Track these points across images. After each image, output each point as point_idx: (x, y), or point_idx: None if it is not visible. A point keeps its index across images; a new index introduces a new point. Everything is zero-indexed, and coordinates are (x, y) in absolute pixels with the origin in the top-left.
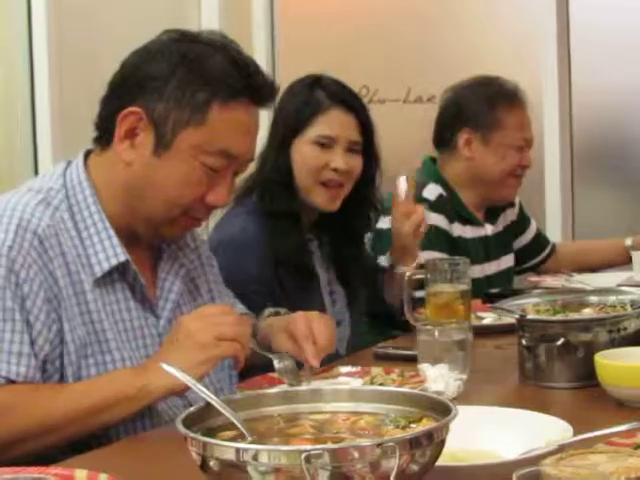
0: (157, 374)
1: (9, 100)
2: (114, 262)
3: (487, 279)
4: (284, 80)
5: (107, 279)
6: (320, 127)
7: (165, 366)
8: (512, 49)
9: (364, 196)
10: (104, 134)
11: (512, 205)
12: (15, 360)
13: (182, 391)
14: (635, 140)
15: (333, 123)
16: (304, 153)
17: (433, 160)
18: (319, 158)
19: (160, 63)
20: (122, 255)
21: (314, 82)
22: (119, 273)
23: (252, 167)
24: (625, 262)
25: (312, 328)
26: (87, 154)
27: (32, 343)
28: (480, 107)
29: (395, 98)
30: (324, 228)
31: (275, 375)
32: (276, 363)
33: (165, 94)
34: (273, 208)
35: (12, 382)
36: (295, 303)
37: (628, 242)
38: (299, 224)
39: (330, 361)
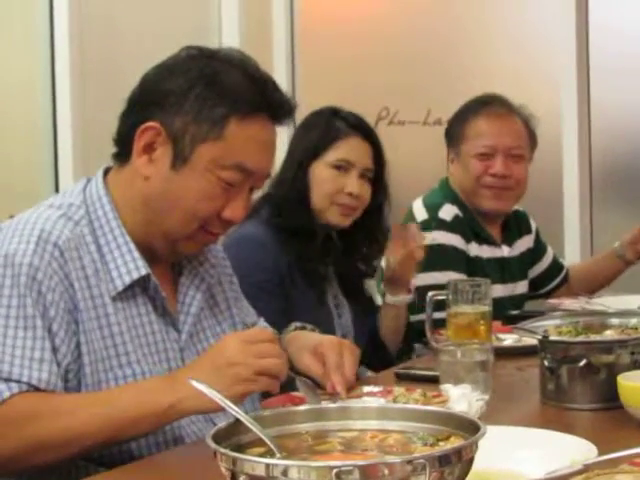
0: (187, 392)
1: (31, 117)
2: (135, 275)
3: (501, 301)
4: (303, 101)
5: (128, 293)
6: (339, 152)
7: (195, 383)
8: (532, 72)
9: (373, 223)
10: (123, 150)
11: (529, 232)
12: (37, 366)
13: (211, 411)
14: None
15: (351, 149)
16: (322, 175)
17: (447, 180)
18: (336, 181)
19: (179, 79)
20: (143, 269)
21: (333, 113)
22: (140, 287)
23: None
24: (621, 268)
25: (343, 358)
26: (106, 171)
27: (54, 350)
28: (454, 124)
29: (415, 120)
30: (331, 249)
31: (297, 394)
32: (299, 384)
33: (183, 109)
34: (288, 223)
35: (35, 388)
36: (304, 305)
37: (616, 245)
38: (314, 239)
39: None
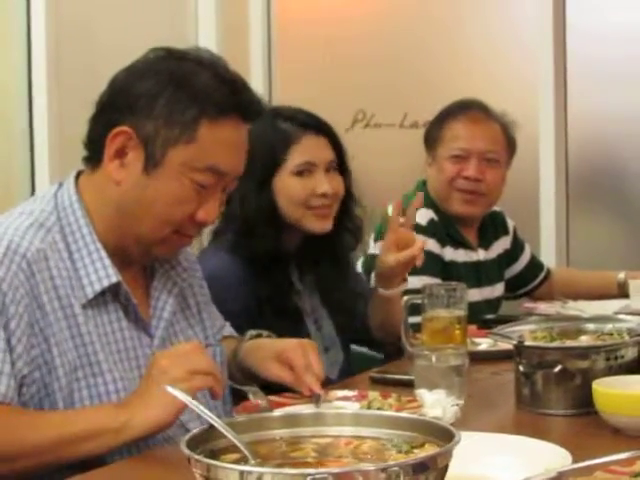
0: (140, 409)
1: (7, 120)
2: (106, 283)
3: (476, 305)
4: (280, 103)
5: (99, 300)
6: (297, 156)
7: (169, 388)
8: (509, 76)
9: (346, 212)
10: (94, 154)
11: (506, 233)
12: None
13: (165, 428)
14: (630, 170)
15: (308, 149)
16: (288, 186)
17: (424, 183)
18: (304, 187)
19: (148, 82)
20: (114, 276)
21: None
22: (111, 294)
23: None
24: (613, 296)
25: (308, 358)
26: (78, 175)
27: (12, 364)
28: (432, 127)
29: (391, 123)
30: (307, 252)
31: (273, 398)
32: (252, 397)
33: (154, 113)
34: (254, 250)
35: None
36: (279, 335)
37: (621, 276)
38: (281, 263)
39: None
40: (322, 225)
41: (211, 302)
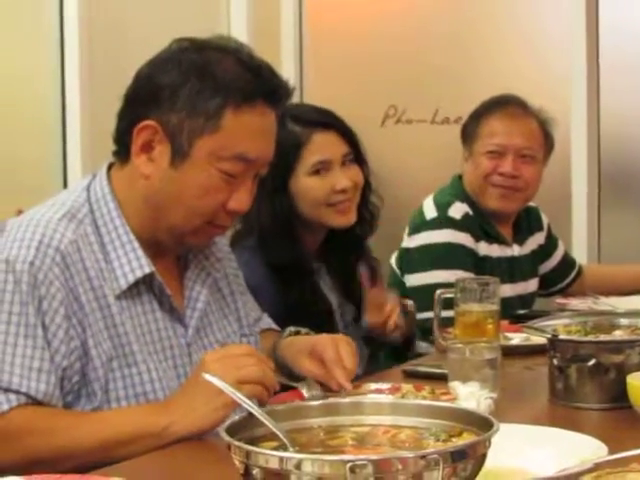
0: (182, 414)
1: (40, 112)
2: (139, 274)
3: (510, 300)
4: (311, 99)
5: (133, 291)
6: (309, 157)
7: (209, 377)
8: (540, 72)
9: (363, 202)
10: (122, 148)
11: (541, 229)
12: (35, 376)
13: (207, 432)
14: None
15: (320, 147)
16: (305, 187)
17: (460, 178)
18: (322, 186)
19: (171, 73)
20: (147, 267)
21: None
22: (145, 285)
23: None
24: None
25: (340, 353)
26: (110, 167)
27: (52, 360)
28: (469, 122)
29: (423, 119)
30: (331, 247)
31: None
32: (305, 392)
33: (178, 104)
34: (275, 260)
35: (32, 399)
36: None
37: None
38: (305, 266)
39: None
40: (346, 220)
41: (247, 292)
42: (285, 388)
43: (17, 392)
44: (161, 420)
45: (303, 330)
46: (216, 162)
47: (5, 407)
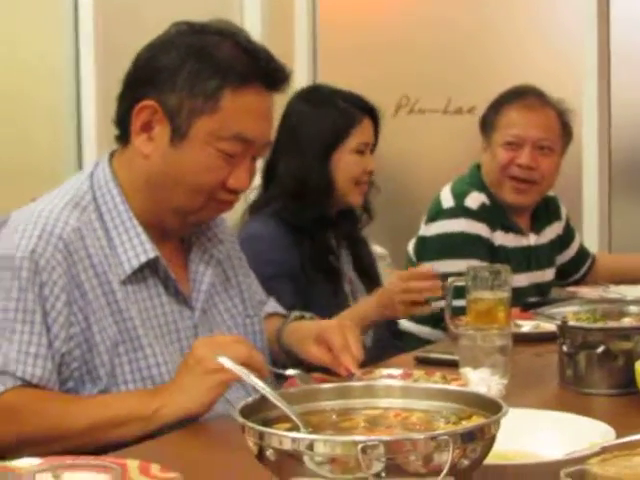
0: (172, 398)
1: (56, 103)
2: (143, 259)
3: (525, 289)
4: (325, 79)
5: (138, 276)
6: (358, 137)
7: (222, 359)
8: (553, 61)
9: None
10: (123, 131)
11: (559, 219)
12: (31, 361)
13: (196, 417)
14: None
15: (366, 131)
16: (347, 162)
17: (478, 167)
18: (360, 164)
19: (170, 55)
20: (151, 252)
21: (333, 94)
22: (150, 269)
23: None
24: None
25: (347, 339)
26: (112, 154)
27: (49, 345)
28: (488, 113)
29: (435, 108)
30: (342, 222)
31: (317, 375)
32: (298, 381)
33: (177, 85)
34: (305, 215)
35: (27, 383)
36: (320, 301)
37: None
38: (323, 228)
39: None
40: (360, 200)
41: (251, 274)
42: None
43: (13, 375)
44: (151, 403)
45: (307, 315)
46: (215, 142)
47: (0, 388)
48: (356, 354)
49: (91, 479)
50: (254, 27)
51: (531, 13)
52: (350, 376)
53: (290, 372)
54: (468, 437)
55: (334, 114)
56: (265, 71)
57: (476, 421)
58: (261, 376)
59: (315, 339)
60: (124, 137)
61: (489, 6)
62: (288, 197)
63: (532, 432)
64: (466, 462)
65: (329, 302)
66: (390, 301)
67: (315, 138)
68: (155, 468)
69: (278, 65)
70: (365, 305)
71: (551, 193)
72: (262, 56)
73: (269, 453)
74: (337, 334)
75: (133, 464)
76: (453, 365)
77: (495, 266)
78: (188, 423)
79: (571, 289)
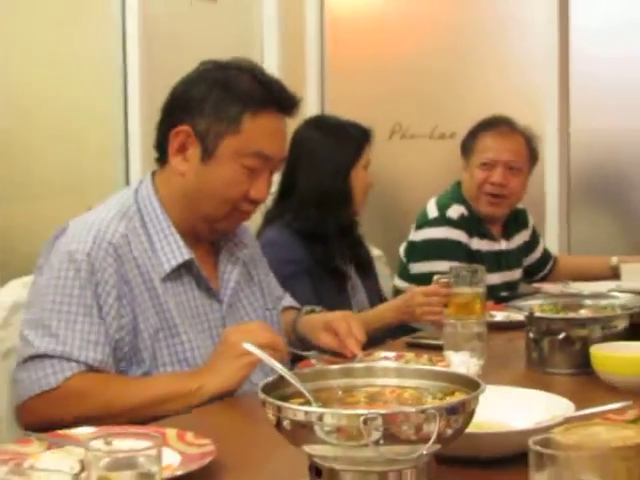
0: (208, 378)
1: (106, 121)
2: (180, 260)
3: (498, 286)
4: (332, 108)
5: (175, 274)
6: (366, 156)
7: (248, 346)
8: (521, 93)
9: None
10: (161, 153)
11: (526, 227)
12: (92, 348)
13: (229, 393)
14: (622, 171)
15: (369, 151)
16: (361, 177)
17: (459, 184)
18: (367, 178)
19: (199, 87)
20: (187, 254)
21: (339, 124)
22: (185, 269)
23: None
24: (609, 277)
25: (351, 326)
26: (153, 174)
27: (106, 334)
28: (467, 139)
29: (423, 134)
30: (349, 231)
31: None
32: (314, 361)
33: (205, 112)
34: (312, 229)
35: (90, 367)
36: (327, 296)
37: (614, 260)
38: (334, 235)
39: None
40: (362, 210)
41: (270, 273)
42: (296, 358)
43: (77, 361)
44: (192, 383)
45: (317, 308)
46: (238, 158)
47: (68, 373)
48: (359, 338)
49: (136, 445)
50: (272, 62)
51: (503, 53)
52: (353, 357)
53: (307, 353)
54: (452, 411)
55: (349, 139)
56: (278, 98)
57: (458, 397)
58: (282, 357)
59: (324, 328)
60: (163, 159)
61: (468, 48)
62: (309, 208)
63: (504, 406)
64: (450, 431)
65: (334, 300)
66: (411, 309)
67: (335, 159)
68: (190, 435)
69: (289, 93)
70: (385, 309)
71: (520, 206)
72: (275, 86)
73: (286, 423)
74: (342, 322)
75: (171, 432)
76: (438, 349)
77: (472, 266)
78: (219, 399)
79: (536, 285)
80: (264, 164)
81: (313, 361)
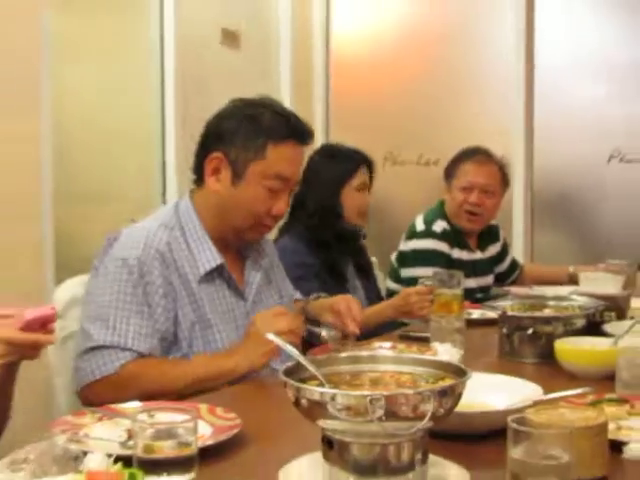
0: (240, 358)
1: (146, 146)
2: (213, 264)
3: (473, 289)
4: (335, 137)
5: (209, 277)
6: (358, 178)
7: (271, 336)
8: (493, 127)
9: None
10: (199, 176)
11: (498, 240)
12: (144, 339)
13: (259, 370)
14: (578, 196)
15: (363, 175)
16: (353, 198)
17: (442, 203)
18: (359, 199)
19: (230, 121)
20: (219, 259)
21: (338, 150)
22: (217, 272)
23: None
24: (566, 283)
25: (350, 307)
26: (191, 192)
27: (154, 327)
28: (450, 165)
29: (411, 161)
30: (349, 239)
31: (328, 341)
32: (325, 333)
33: (235, 142)
34: (319, 237)
35: (142, 354)
36: (328, 292)
37: (570, 269)
38: (336, 243)
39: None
40: (363, 223)
41: (285, 277)
42: (311, 334)
43: (131, 350)
44: (229, 363)
45: (323, 295)
46: (263, 180)
47: (124, 361)
48: (357, 316)
49: (175, 418)
50: (286, 98)
51: (478, 93)
52: (352, 333)
53: (323, 332)
54: (444, 393)
55: (342, 162)
56: (296, 130)
57: (449, 382)
58: (297, 336)
59: (329, 309)
60: (199, 180)
61: (449, 90)
62: (313, 220)
63: (482, 390)
64: (442, 411)
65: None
66: (409, 307)
67: (330, 179)
68: (219, 410)
69: (305, 126)
70: (385, 307)
71: (493, 222)
72: (293, 120)
73: (303, 402)
74: (343, 303)
75: (204, 407)
76: (425, 340)
77: (452, 272)
78: (245, 379)
79: (506, 288)
80: (283, 185)
81: (326, 337)
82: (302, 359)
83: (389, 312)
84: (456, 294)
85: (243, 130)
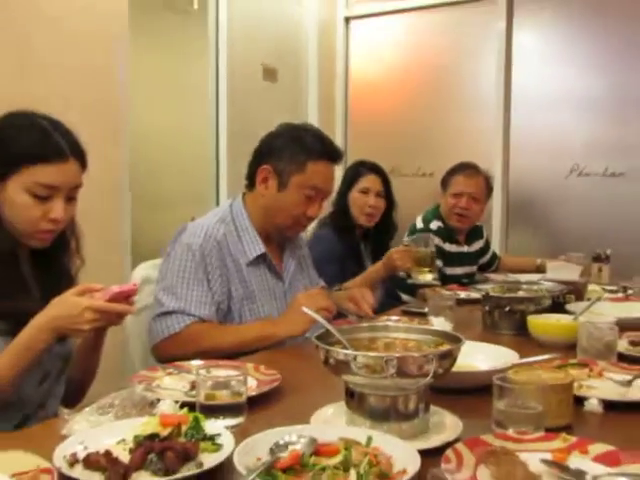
0: (283, 326)
1: (203, 159)
2: (259, 252)
3: (461, 275)
4: (352, 155)
5: (255, 262)
6: (362, 183)
7: (305, 309)
8: (478, 145)
9: (389, 217)
10: (250, 182)
11: (482, 237)
12: (203, 307)
13: (297, 336)
14: (545, 201)
15: (367, 181)
16: (356, 198)
17: (438, 206)
18: (363, 200)
19: (279, 140)
20: (263, 249)
21: (360, 164)
22: (262, 258)
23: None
24: (534, 272)
25: (364, 294)
26: (243, 194)
27: (212, 298)
28: (444, 177)
29: (411, 173)
30: (369, 238)
31: (351, 319)
32: (353, 318)
33: (282, 157)
34: (340, 229)
35: (201, 319)
36: (349, 273)
37: (538, 261)
38: (357, 238)
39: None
40: (368, 222)
41: (312, 266)
42: (339, 314)
43: (193, 315)
44: (272, 329)
45: (343, 286)
46: (302, 190)
47: (187, 322)
48: (369, 301)
49: (227, 373)
50: (313, 122)
51: (467, 120)
52: (367, 315)
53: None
54: (443, 356)
55: (352, 171)
56: (329, 151)
57: (446, 347)
58: (331, 313)
59: (347, 298)
60: (251, 185)
61: (443, 117)
62: (337, 218)
63: (470, 354)
64: (441, 370)
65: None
66: (393, 261)
67: (343, 184)
68: (262, 368)
69: (337, 148)
70: (376, 267)
71: (479, 223)
72: (327, 142)
73: (331, 361)
74: (357, 293)
75: (250, 365)
76: (424, 315)
77: (425, 234)
78: (284, 344)
79: (486, 275)
80: (317, 194)
81: (351, 318)
82: (331, 327)
83: (379, 269)
84: (427, 252)
85: (289, 149)
